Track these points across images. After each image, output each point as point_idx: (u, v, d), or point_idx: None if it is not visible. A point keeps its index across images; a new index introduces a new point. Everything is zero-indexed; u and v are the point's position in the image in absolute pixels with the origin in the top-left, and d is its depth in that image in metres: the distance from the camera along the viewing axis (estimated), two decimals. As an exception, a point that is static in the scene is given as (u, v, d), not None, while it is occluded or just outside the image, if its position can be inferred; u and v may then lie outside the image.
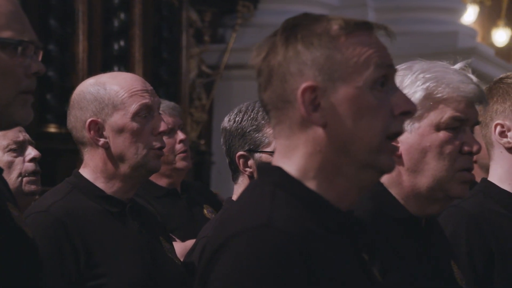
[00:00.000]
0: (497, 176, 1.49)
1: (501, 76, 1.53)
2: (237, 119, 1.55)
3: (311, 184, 0.90)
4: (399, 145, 1.20)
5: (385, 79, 0.90)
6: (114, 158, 1.41)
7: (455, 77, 1.20)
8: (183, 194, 2.17)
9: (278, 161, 0.92)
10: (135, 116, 1.40)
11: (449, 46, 4.19)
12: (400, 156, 1.21)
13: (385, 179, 1.22)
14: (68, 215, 1.36)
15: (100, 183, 1.42)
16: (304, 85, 0.89)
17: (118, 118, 1.40)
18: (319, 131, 0.89)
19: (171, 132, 2.17)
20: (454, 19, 4.67)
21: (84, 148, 1.44)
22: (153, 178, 2.19)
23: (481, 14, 6.35)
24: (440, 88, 1.19)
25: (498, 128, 1.49)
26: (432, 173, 1.18)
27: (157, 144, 1.41)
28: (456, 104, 1.18)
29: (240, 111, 1.57)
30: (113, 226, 1.39)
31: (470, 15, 5.90)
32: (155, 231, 1.46)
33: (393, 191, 1.21)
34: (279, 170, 0.91)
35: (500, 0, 6.70)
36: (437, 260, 1.20)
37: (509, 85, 1.49)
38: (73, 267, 1.33)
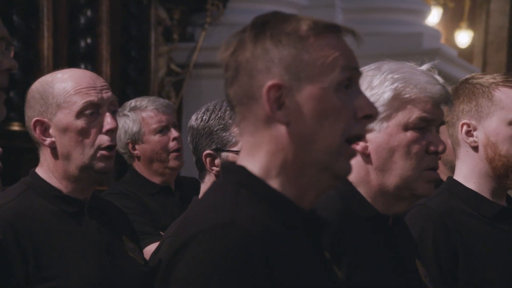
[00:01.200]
0: (462, 174, 1.53)
1: (467, 76, 1.57)
2: (204, 117, 1.55)
3: (274, 183, 0.91)
4: (367, 144, 1.23)
5: (349, 82, 0.92)
6: (61, 158, 1.38)
7: (422, 78, 1.22)
8: (177, 191, 2.17)
9: (242, 159, 0.93)
10: (80, 114, 1.37)
11: (414, 47, 4.28)
12: (368, 155, 1.23)
13: (353, 178, 1.24)
14: (18, 217, 1.33)
15: (55, 183, 1.40)
16: (270, 82, 0.90)
17: (62, 117, 1.38)
18: (282, 130, 0.90)
19: (164, 130, 2.16)
20: (419, 20, 4.76)
21: (39, 147, 1.42)
22: (147, 175, 2.16)
23: (444, 16, 6.50)
24: (408, 89, 1.21)
25: (465, 128, 1.53)
26: (399, 172, 1.21)
27: (105, 143, 1.38)
28: (423, 105, 1.21)
29: (207, 110, 1.57)
30: (67, 226, 1.37)
31: (434, 17, 6.04)
32: (118, 230, 1.44)
33: (361, 190, 1.23)
34: (242, 169, 0.92)
35: (463, 2, 6.88)
36: (402, 258, 1.22)
37: (474, 85, 1.53)
38: (21, 271, 1.30)
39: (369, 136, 1.23)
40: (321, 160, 0.91)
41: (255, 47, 0.91)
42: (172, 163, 2.14)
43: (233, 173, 0.93)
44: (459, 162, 1.55)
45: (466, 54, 6.50)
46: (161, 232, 1.99)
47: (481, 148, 1.51)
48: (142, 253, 1.51)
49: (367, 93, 1.23)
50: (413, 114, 1.21)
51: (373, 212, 1.23)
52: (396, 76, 1.23)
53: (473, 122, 1.52)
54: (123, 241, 1.44)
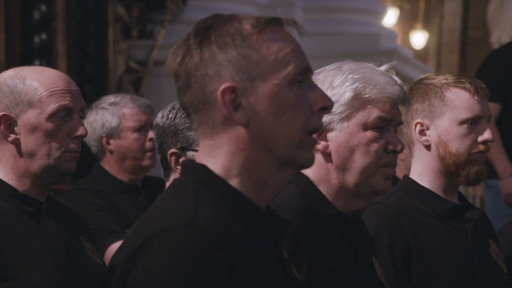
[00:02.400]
0: (417, 173, 1.57)
1: (421, 77, 1.62)
2: (170, 116, 1.55)
3: (234, 182, 0.91)
4: (328, 143, 1.25)
5: (302, 77, 0.92)
6: (24, 156, 1.36)
7: (381, 78, 1.25)
8: (144, 190, 2.17)
9: (202, 160, 0.93)
10: (52, 116, 1.35)
11: (372, 47, 4.35)
12: (329, 154, 1.25)
13: (314, 177, 1.26)
14: None
15: (12, 181, 1.37)
16: (223, 86, 0.90)
17: (32, 116, 1.35)
18: (241, 130, 0.91)
19: (143, 129, 2.16)
20: (376, 21, 4.85)
21: None
22: (115, 171, 2.13)
23: (400, 17, 6.65)
24: (367, 89, 1.24)
25: (418, 127, 1.57)
26: (359, 170, 1.23)
27: (72, 148, 1.37)
28: (382, 105, 1.24)
29: (173, 108, 1.56)
30: (25, 226, 1.35)
31: (390, 18, 6.17)
32: (76, 231, 1.43)
33: (322, 189, 1.26)
34: (203, 168, 0.92)
35: (418, 4, 7.05)
36: (361, 256, 1.25)
37: (428, 85, 1.57)
38: None
39: (329, 135, 1.25)
40: (283, 155, 0.91)
41: (202, 53, 0.91)
42: (146, 162, 2.14)
43: (194, 171, 0.93)
44: (414, 161, 1.59)
45: (421, 55, 6.67)
46: (127, 231, 1.99)
47: (433, 147, 1.55)
48: (100, 253, 1.49)
49: (328, 93, 1.25)
50: (372, 114, 1.24)
51: (334, 211, 1.25)
52: (356, 76, 1.25)
53: (426, 122, 1.56)
54: (81, 241, 1.43)
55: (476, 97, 1.54)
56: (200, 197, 0.89)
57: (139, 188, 2.18)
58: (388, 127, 1.26)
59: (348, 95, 1.24)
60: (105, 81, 4.08)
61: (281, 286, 0.91)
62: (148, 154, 2.14)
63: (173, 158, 1.53)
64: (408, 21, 6.87)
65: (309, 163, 0.93)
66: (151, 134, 2.14)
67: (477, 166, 1.53)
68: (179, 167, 1.53)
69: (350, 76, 1.25)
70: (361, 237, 1.30)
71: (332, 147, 1.25)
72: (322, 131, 1.25)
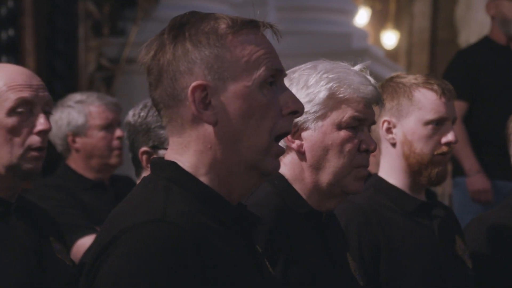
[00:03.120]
0: (385, 170, 1.60)
1: (392, 75, 1.65)
2: (142, 114, 1.54)
3: (203, 180, 0.92)
4: (303, 142, 1.26)
5: (274, 79, 0.93)
6: None
7: (355, 78, 1.27)
8: (111, 188, 2.15)
9: (171, 157, 0.93)
10: (11, 112, 1.32)
11: (344, 46, 4.40)
12: (303, 153, 1.27)
13: (289, 175, 1.27)
14: None
15: None
16: (194, 83, 0.90)
17: None
18: (210, 129, 0.91)
19: (110, 127, 2.14)
20: (348, 21, 4.90)
21: None
22: (82, 170, 2.12)
23: (372, 17, 6.73)
24: (342, 89, 1.25)
25: (385, 125, 1.60)
26: (332, 169, 1.25)
27: (35, 144, 1.33)
28: (356, 105, 1.26)
29: (145, 106, 1.55)
30: None
31: (362, 18, 6.24)
32: (45, 231, 1.40)
33: (297, 187, 1.27)
34: (173, 164, 0.92)
35: (389, 4, 7.14)
36: (335, 253, 1.27)
37: (397, 84, 1.60)
38: None
39: (304, 134, 1.26)
40: (249, 158, 0.92)
41: (175, 49, 0.91)
42: (113, 160, 2.13)
43: (164, 169, 0.92)
44: (382, 158, 1.62)
45: (392, 54, 6.76)
46: (96, 228, 1.97)
47: (398, 145, 1.58)
48: (69, 254, 1.48)
49: (303, 92, 1.26)
50: (346, 113, 1.25)
51: (308, 208, 1.26)
52: (331, 76, 1.26)
53: (393, 120, 1.59)
54: (50, 242, 1.40)
55: (442, 99, 1.57)
56: (170, 193, 0.89)
57: (106, 185, 2.16)
58: (361, 126, 1.27)
59: (322, 94, 1.25)
60: (75, 79, 4.02)
61: (254, 280, 0.91)
62: (115, 152, 2.13)
63: (144, 157, 1.52)
64: (379, 21, 6.96)
65: (273, 171, 0.93)
66: (118, 133, 2.12)
67: (439, 168, 1.56)
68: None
69: (325, 75, 1.26)
70: (335, 234, 1.32)
71: (306, 146, 1.26)
72: (297, 129, 1.26)
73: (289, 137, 1.27)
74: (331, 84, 1.25)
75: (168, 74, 0.91)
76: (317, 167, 1.25)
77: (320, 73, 1.26)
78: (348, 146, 1.25)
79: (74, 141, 2.14)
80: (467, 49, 3.49)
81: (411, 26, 7.06)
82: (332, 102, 1.25)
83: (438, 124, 1.57)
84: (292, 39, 4.28)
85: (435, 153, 1.56)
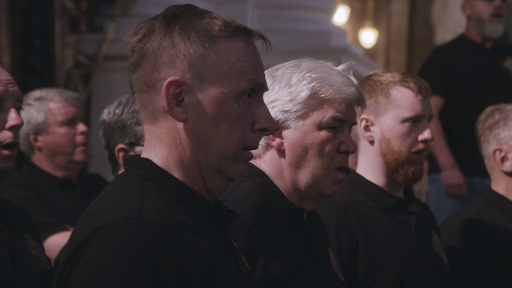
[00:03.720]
0: (363, 168, 1.62)
1: (370, 73, 1.66)
2: (117, 111, 1.52)
3: (176, 175, 0.91)
4: (283, 140, 1.27)
5: (253, 92, 0.93)
6: None
7: (338, 79, 1.27)
8: (79, 185, 2.11)
9: (145, 150, 0.92)
10: None
11: (323, 44, 4.42)
12: (283, 152, 1.27)
13: (270, 172, 1.28)
14: None
15: None
16: (171, 78, 0.89)
17: None
18: (179, 125, 0.90)
19: (71, 122, 2.08)
20: (327, 19, 4.92)
21: None
22: (47, 168, 2.08)
23: (350, 15, 6.77)
24: (324, 89, 1.26)
25: (363, 123, 1.62)
26: (311, 169, 1.25)
27: (7, 139, 1.31)
28: (338, 105, 1.26)
29: (120, 104, 1.54)
30: None
31: (341, 16, 6.28)
32: (19, 228, 1.38)
33: (278, 184, 1.27)
34: (147, 161, 0.91)
35: (367, 3, 7.20)
36: (316, 248, 1.27)
37: (375, 82, 1.62)
38: None
39: (285, 133, 1.26)
40: (215, 163, 0.91)
41: (163, 39, 0.90)
42: (78, 156, 2.09)
43: (137, 166, 0.92)
44: (360, 156, 1.64)
45: (371, 53, 6.81)
46: (66, 225, 1.93)
47: (376, 143, 1.59)
48: (45, 251, 1.45)
49: (285, 90, 1.26)
50: (327, 113, 1.25)
51: (289, 205, 1.26)
52: (313, 76, 1.26)
53: (371, 118, 1.60)
54: (25, 239, 1.38)
55: (419, 97, 1.58)
56: (145, 191, 0.88)
57: (74, 183, 2.12)
58: (342, 127, 1.28)
59: (304, 94, 1.25)
60: (52, 76, 3.97)
61: (231, 276, 0.91)
62: (79, 148, 2.08)
63: (121, 154, 1.51)
64: (358, 20, 7.01)
65: (238, 176, 0.93)
66: (81, 128, 2.08)
67: (415, 167, 1.58)
68: (127, 163, 1.51)
69: (307, 74, 1.26)
70: (317, 230, 1.32)
71: (286, 145, 1.26)
72: (278, 128, 1.26)
73: (270, 135, 1.27)
74: (313, 84, 1.26)
75: (150, 61, 0.90)
76: (296, 166, 1.25)
77: (303, 72, 1.26)
78: (328, 147, 1.25)
79: (36, 140, 2.08)
80: (443, 46, 3.53)
81: (389, 24, 7.12)
82: (313, 101, 1.26)
83: (414, 122, 1.59)
84: (271, 37, 4.27)
85: (412, 150, 1.58)
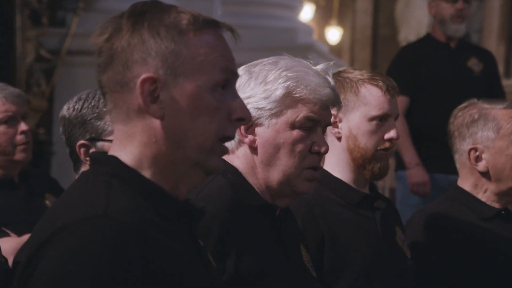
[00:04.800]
0: (330, 164, 1.63)
1: (339, 70, 1.66)
2: (76, 107, 1.50)
3: (146, 174, 0.90)
4: (256, 138, 1.26)
5: (226, 83, 0.92)
6: None
7: (314, 79, 1.27)
8: (21, 184, 2.03)
9: (114, 148, 0.91)
10: None
11: (289, 41, 4.43)
12: (255, 149, 1.26)
13: (242, 168, 1.27)
14: None
15: None
16: (144, 75, 0.88)
17: None
18: (156, 123, 0.89)
19: (11, 121, 2.00)
20: (293, 16, 4.94)
21: None
22: None
23: (316, 12, 6.82)
24: (299, 89, 1.25)
25: (331, 119, 1.63)
26: (282, 168, 1.25)
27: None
28: (312, 106, 1.26)
29: (80, 99, 1.51)
30: None
31: (307, 13, 6.31)
32: None
33: (250, 180, 1.27)
34: (114, 159, 0.90)
35: (332, 0, 7.26)
36: (288, 245, 1.27)
37: (345, 79, 1.62)
38: None
39: (258, 130, 1.26)
40: (193, 157, 0.91)
41: (132, 37, 0.89)
42: (19, 156, 2.00)
43: (104, 163, 0.90)
44: (328, 152, 1.66)
45: (336, 50, 6.88)
46: (4, 229, 1.86)
47: (343, 139, 1.60)
48: (1, 251, 1.41)
49: (261, 87, 1.26)
50: (300, 113, 1.25)
51: (262, 202, 1.26)
52: (290, 74, 1.25)
53: (339, 114, 1.60)
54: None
55: (387, 95, 1.60)
56: (111, 189, 0.87)
57: (15, 182, 2.03)
58: (315, 127, 1.28)
59: (279, 92, 1.25)
60: (12, 70, 3.86)
61: (198, 275, 0.90)
62: (20, 147, 1.99)
63: (82, 150, 1.48)
64: (323, 17, 7.06)
65: (216, 170, 0.93)
66: (22, 126, 2.00)
67: (381, 163, 1.59)
68: (88, 158, 1.48)
69: (284, 73, 1.26)
70: (289, 226, 1.32)
71: (259, 142, 1.26)
72: (251, 124, 1.26)
73: (242, 131, 1.27)
74: (288, 83, 1.25)
75: (121, 60, 0.89)
76: (268, 164, 1.25)
77: (280, 70, 1.26)
78: (299, 146, 1.25)
79: None
80: (410, 45, 3.59)
81: (354, 22, 7.21)
82: (288, 100, 1.25)
83: (381, 120, 1.60)
84: (239, 29, 4.24)
85: (378, 148, 1.60)
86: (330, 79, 1.30)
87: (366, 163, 1.59)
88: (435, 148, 3.05)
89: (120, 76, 0.89)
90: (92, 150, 1.48)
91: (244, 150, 1.28)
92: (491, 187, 1.79)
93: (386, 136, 1.60)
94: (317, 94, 1.26)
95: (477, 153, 1.79)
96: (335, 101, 1.29)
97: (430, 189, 3.02)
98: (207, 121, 0.90)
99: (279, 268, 1.23)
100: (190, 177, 0.92)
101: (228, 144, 1.30)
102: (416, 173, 3.03)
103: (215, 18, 0.94)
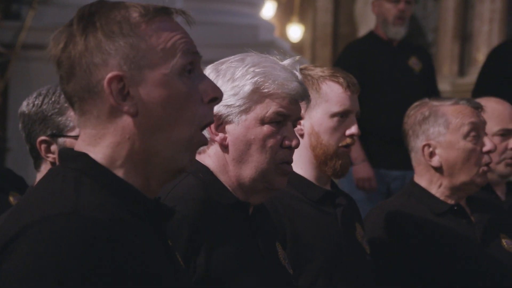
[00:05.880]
0: (293, 161, 1.65)
1: (301, 67, 1.65)
2: (36, 102, 1.46)
3: (118, 172, 0.89)
4: (226, 135, 1.25)
5: (192, 66, 0.92)
6: None
7: (281, 74, 1.27)
8: None
9: (82, 148, 0.89)
10: None
11: (250, 38, 4.43)
12: (226, 146, 1.25)
13: (214, 167, 1.26)
14: None
15: None
16: (109, 75, 0.87)
17: None
18: (129, 120, 0.88)
19: None
20: (255, 13, 4.94)
21: None
22: None
23: (278, 10, 6.84)
24: (267, 84, 1.25)
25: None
26: (255, 164, 1.24)
27: None
28: (280, 100, 1.26)
29: (40, 94, 1.48)
30: None
31: (268, 10, 6.32)
32: None
33: (222, 179, 1.26)
34: (84, 156, 0.88)
35: (294, -3, 7.29)
36: (263, 242, 1.27)
37: (306, 76, 1.63)
38: None
39: (228, 127, 1.25)
40: (168, 150, 0.90)
41: (87, 40, 0.88)
42: None
43: (74, 160, 0.89)
44: None
45: (298, 47, 6.92)
46: None
47: (306, 136, 1.61)
48: None
49: (229, 85, 1.25)
50: (270, 108, 1.25)
51: (234, 200, 1.25)
52: (257, 70, 1.25)
53: (301, 111, 1.63)
54: None
55: (348, 92, 1.62)
56: (82, 185, 0.86)
57: None
58: (285, 122, 1.27)
59: (247, 88, 1.24)
60: (-36, 64, 3.72)
61: (167, 275, 0.90)
62: None
63: (43, 146, 1.45)
64: (285, 14, 7.09)
65: (189, 166, 0.92)
66: None
67: (342, 160, 1.62)
68: (50, 155, 1.46)
69: (251, 69, 1.25)
70: (264, 223, 1.32)
71: (229, 140, 1.25)
72: (221, 122, 1.25)
73: (212, 129, 1.26)
74: (256, 79, 1.25)
75: (81, 66, 0.88)
76: (239, 161, 1.24)
77: (247, 66, 1.25)
78: (270, 142, 1.25)
79: None
80: (354, 42, 3.64)
81: (314, 20, 7.26)
82: (256, 96, 1.25)
83: (343, 116, 1.62)
84: (199, 29, 4.22)
85: (340, 144, 1.61)
86: (297, 73, 1.30)
87: (328, 160, 1.60)
88: (379, 144, 3.13)
89: (84, 82, 0.88)
90: (53, 146, 1.45)
91: (215, 148, 1.27)
92: (445, 182, 1.83)
93: (348, 132, 1.62)
94: (285, 88, 1.26)
95: (431, 149, 1.84)
96: (303, 95, 1.29)
97: (375, 184, 3.09)
98: (181, 109, 0.89)
99: (252, 266, 1.22)
100: (162, 173, 0.91)
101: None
102: (362, 169, 3.09)
103: (165, 5, 0.92)
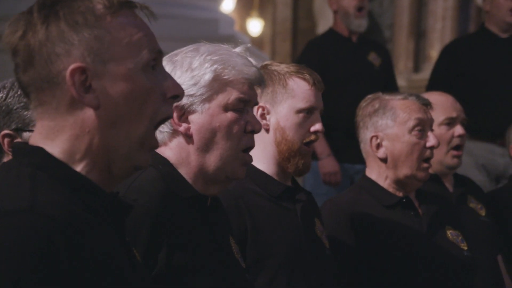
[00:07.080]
0: (255, 156, 1.61)
1: (266, 63, 1.69)
2: (1, 95, 1.43)
3: (77, 167, 0.88)
4: (190, 125, 1.26)
5: (155, 63, 0.92)
6: None
7: (239, 60, 1.28)
8: None
9: (38, 142, 0.88)
10: None
11: (210, 32, 4.41)
12: (191, 136, 1.25)
13: (174, 159, 1.26)
14: None
15: None
16: (72, 66, 0.86)
17: None
18: (89, 113, 0.88)
19: None
20: (215, 6, 4.92)
21: None
22: None
23: (238, 4, 6.84)
24: (226, 71, 1.26)
25: (260, 110, 1.66)
26: (220, 152, 1.25)
27: None
28: (241, 86, 1.27)
29: (4, 87, 1.45)
30: None
31: (228, 4, 6.31)
32: None
33: (182, 171, 1.26)
34: (40, 150, 0.87)
35: (254, -8, 7.29)
36: (219, 236, 1.28)
37: (272, 72, 1.65)
38: None
39: (191, 117, 1.25)
40: (125, 147, 0.90)
41: (49, 30, 0.86)
42: None
43: (28, 154, 0.87)
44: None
45: (258, 42, 6.94)
46: None
47: (271, 132, 1.63)
48: None
49: (188, 75, 1.25)
50: (232, 95, 1.25)
51: (193, 193, 1.26)
52: (215, 58, 1.25)
53: (267, 106, 1.63)
54: None
55: (313, 89, 1.65)
56: (37, 181, 0.84)
57: None
58: (246, 107, 1.28)
59: (208, 76, 1.24)
60: None
61: (126, 271, 0.90)
62: None
63: (6, 140, 1.42)
64: (245, 8, 7.09)
65: (145, 164, 0.92)
66: None
67: (305, 159, 1.64)
68: (12, 149, 1.43)
69: (208, 57, 1.25)
70: (219, 218, 1.33)
71: (194, 129, 1.25)
72: (183, 112, 1.25)
73: (176, 120, 1.26)
74: (215, 66, 1.25)
75: (42, 56, 0.86)
76: (204, 149, 1.24)
77: (204, 55, 1.25)
78: (235, 128, 1.25)
79: None
80: (315, 40, 3.69)
81: (274, 15, 7.30)
82: (217, 84, 1.25)
83: (308, 113, 1.64)
84: (159, 23, 4.17)
85: (304, 141, 1.63)
86: (251, 59, 1.31)
87: (291, 157, 1.62)
88: (342, 139, 3.19)
89: (44, 72, 0.86)
90: (17, 140, 1.42)
91: (177, 141, 1.27)
92: (390, 174, 1.89)
93: (312, 128, 1.64)
94: (245, 74, 1.27)
95: (378, 140, 1.90)
96: (260, 79, 1.30)
97: (340, 178, 3.15)
98: (143, 104, 0.89)
99: (210, 259, 1.23)
100: (120, 168, 0.90)
101: (161, 137, 1.28)
102: (328, 163, 3.15)
103: (130, 0, 0.92)
